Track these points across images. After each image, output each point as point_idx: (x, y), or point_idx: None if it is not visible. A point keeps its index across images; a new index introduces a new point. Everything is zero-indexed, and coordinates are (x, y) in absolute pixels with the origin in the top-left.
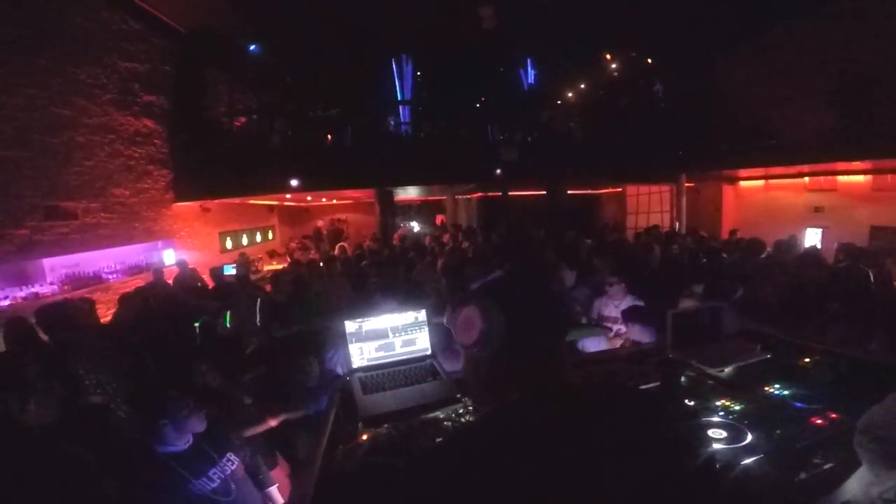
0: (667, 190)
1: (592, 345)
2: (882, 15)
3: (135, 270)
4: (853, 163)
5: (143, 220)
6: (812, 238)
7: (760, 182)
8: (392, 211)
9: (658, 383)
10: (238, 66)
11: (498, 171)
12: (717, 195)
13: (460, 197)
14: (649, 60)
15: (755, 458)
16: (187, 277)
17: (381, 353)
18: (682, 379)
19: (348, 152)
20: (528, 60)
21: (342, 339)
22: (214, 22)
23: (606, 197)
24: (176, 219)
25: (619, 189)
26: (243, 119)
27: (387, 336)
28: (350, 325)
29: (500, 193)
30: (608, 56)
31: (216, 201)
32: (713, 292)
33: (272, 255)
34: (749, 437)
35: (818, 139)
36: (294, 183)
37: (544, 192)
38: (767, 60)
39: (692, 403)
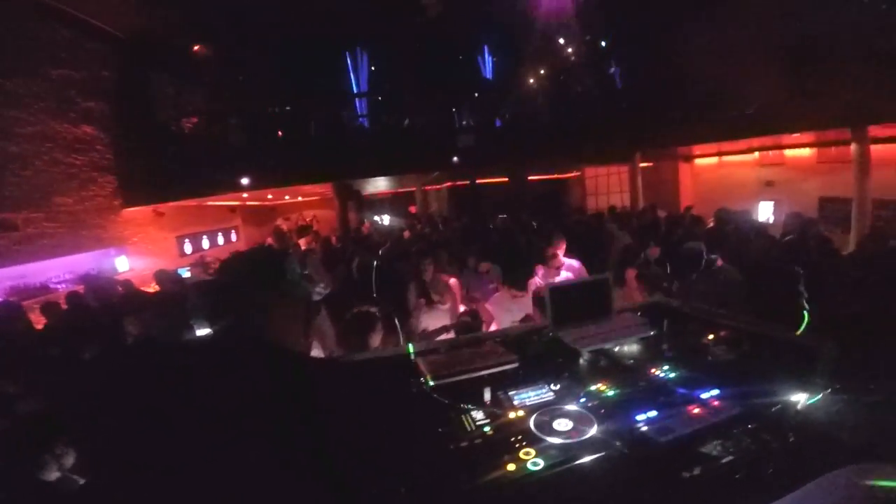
0: (625, 170)
1: None
2: None
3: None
4: (797, 135)
5: (90, 228)
6: (765, 211)
7: (714, 159)
8: (359, 205)
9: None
10: (185, 67)
11: (455, 158)
12: (675, 174)
13: (430, 188)
14: (602, 44)
15: (593, 456)
16: (99, 288)
17: None
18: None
19: (303, 147)
20: (485, 48)
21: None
22: (155, 25)
23: (573, 180)
24: (127, 225)
25: (578, 173)
26: (194, 119)
27: None
28: None
29: (468, 182)
30: (562, 40)
31: (170, 204)
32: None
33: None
34: (594, 430)
35: (765, 111)
36: (245, 181)
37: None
38: (719, 32)
39: (555, 387)
